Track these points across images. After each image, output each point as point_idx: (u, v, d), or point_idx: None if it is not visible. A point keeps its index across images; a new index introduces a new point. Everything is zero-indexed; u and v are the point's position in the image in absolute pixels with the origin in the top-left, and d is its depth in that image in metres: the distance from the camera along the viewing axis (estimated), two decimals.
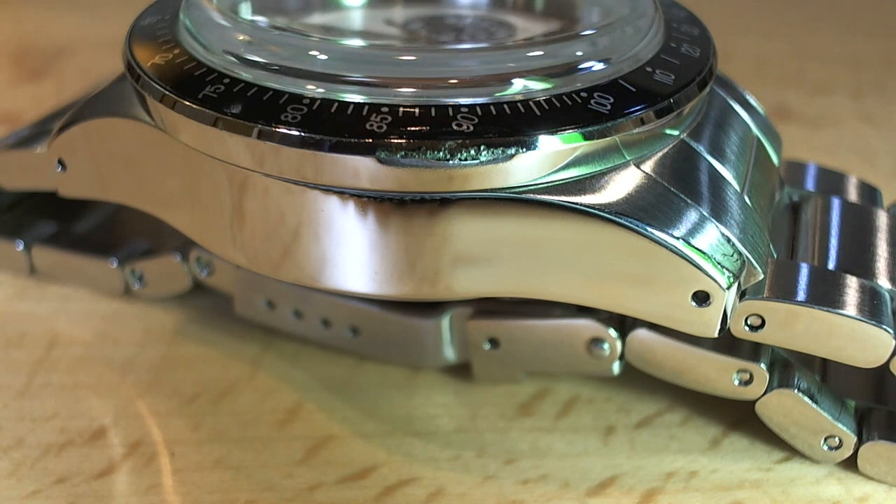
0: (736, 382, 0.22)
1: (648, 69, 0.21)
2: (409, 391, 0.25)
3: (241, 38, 0.21)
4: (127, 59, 0.22)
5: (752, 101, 0.24)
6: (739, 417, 0.24)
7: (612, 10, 0.23)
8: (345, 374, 0.25)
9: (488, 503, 0.22)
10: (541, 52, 0.21)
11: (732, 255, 0.20)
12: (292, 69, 0.20)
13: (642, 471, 0.22)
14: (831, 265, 0.21)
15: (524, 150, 0.19)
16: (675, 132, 0.21)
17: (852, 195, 0.24)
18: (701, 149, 0.21)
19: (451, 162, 0.19)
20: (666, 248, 0.19)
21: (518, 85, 0.20)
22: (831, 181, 0.25)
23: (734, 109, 0.24)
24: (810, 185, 0.24)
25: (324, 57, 0.20)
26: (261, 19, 0.23)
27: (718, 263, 0.19)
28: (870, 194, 0.25)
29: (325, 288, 0.21)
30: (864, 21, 0.43)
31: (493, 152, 0.19)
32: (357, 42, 0.22)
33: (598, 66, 0.21)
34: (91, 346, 0.26)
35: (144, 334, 0.26)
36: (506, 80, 0.20)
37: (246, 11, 0.24)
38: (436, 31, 0.24)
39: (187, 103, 0.20)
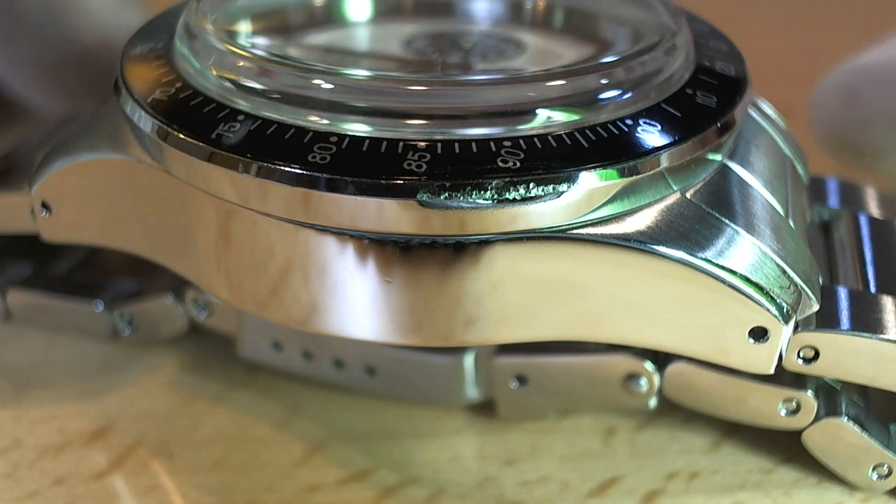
0: (783, 412, 0.21)
1: (689, 91, 0.20)
2: None
3: (259, 69, 0.19)
4: (123, 93, 0.20)
5: (770, 111, 0.23)
6: None
7: (638, 26, 0.22)
8: None
9: None
10: (578, 79, 0.19)
11: (789, 288, 0.19)
12: (307, 99, 0.19)
13: (643, 472, 0.22)
14: (872, 287, 0.21)
15: (573, 185, 0.18)
16: (718, 156, 0.20)
17: (874, 210, 0.23)
18: (743, 172, 0.20)
19: (497, 201, 0.17)
20: (724, 283, 0.18)
21: (555, 115, 0.19)
22: (854, 195, 0.24)
23: (760, 124, 0.23)
24: (834, 201, 0.23)
25: (335, 88, 0.19)
26: (272, 43, 0.21)
27: (777, 297, 0.18)
28: (891, 206, 0.24)
29: (365, 340, 0.19)
30: (868, 20, 0.43)
31: (542, 189, 0.18)
32: (382, 71, 0.21)
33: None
34: (89, 347, 0.26)
35: None
36: (536, 109, 0.19)
37: (246, 28, 0.23)
38: (446, 51, 0.23)
39: (204, 146, 0.18)
